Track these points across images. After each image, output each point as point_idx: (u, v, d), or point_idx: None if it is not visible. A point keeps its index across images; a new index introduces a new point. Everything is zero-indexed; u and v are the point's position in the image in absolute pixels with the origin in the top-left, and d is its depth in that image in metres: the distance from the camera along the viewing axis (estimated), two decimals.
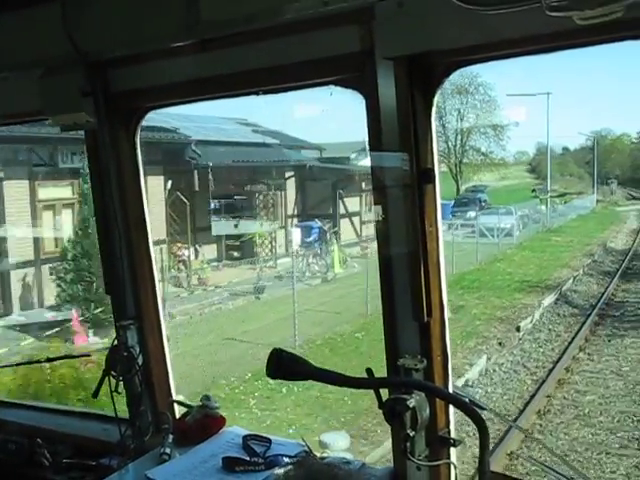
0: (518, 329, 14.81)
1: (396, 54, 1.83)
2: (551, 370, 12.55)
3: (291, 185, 27.81)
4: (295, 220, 28.17)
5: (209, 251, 24.11)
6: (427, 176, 1.92)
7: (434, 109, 1.94)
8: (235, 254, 24.84)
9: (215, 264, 23.64)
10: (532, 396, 11.17)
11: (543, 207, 47.07)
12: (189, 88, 2.36)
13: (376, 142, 1.98)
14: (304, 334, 14.45)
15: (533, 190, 41.38)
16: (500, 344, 13.74)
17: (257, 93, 2.25)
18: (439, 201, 1.98)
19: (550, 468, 2.19)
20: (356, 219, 29.27)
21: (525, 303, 17.22)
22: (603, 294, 18.95)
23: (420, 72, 1.86)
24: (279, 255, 24.55)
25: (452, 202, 37.98)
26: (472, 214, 34.69)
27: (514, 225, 30.03)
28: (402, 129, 1.90)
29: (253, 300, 18.72)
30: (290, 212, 27.65)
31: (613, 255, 26.86)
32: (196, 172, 20.79)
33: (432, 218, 1.97)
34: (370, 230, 28.63)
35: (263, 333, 14.43)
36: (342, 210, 28.76)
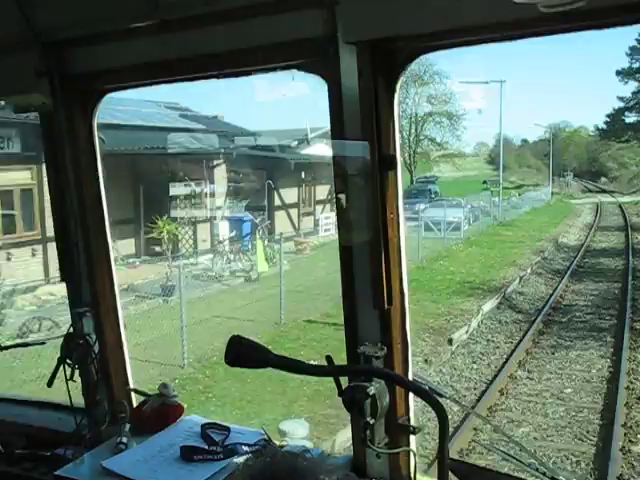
0: (450, 341, 12.87)
1: (359, 39, 1.80)
2: (483, 393, 10.68)
3: (222, 175, 25.50)
4: (228, 212, 25.94)
5: (126, 246, 21.70)
6: (389, 163, 1.89)
7: (397, 95, 1.90)
8: (157, 249, 22.47)
9: (132, 260, 21.30)
10: (456, 429, 9.20)
11: (497, 199, 45.95)
12: (148, 70, 2.27)
13: (338, 128, 1.93)
14: (202, 349, 12.26)
15: (484, 182, 39.83)
16: (426, 361, 11.78)
17: (217, 77, 2.20)
18: (400, 188, 1.94)
19: (508, 454, 2.01)
20: (294, 211, 27.16)
21: (463, 309, 15.32)
22: (551, 296, 17.27)
23: (383, 58, 1.83)
24: (202, 251, 22.27)
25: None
26: (421, 206, 32.95)
27: (462, 219, 28.29)
28: (364, 115, 1.86)
29: (160, 303, 16.44)
30: (222, 204, 25.40)
31: (565, 251, 25.35)
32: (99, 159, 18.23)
33: (393, 205, 1.93)
34: (309, 223, 26.57)
35: (152, 347, 12.19)
36: (279, 202, 26.61)
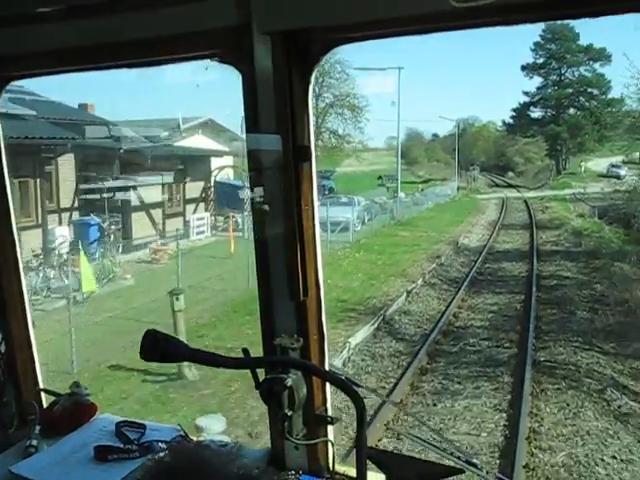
0: None
1: (274, 29, 1.77)
2: None
3: (68, 170, 21.04)
4: (77, 215, 21.52)
5: None
6: (303, 154, 1.87)
7: (311, 87, 1.89)
8: None
9: None
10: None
11: (402, 194, 43.57)
12: (57, 58, 2.16)
13: (252, 120, 1.89)
14: None
15: (379, 177, 36.99)
16: (250, 435, 8.25)
17: (128, 66, 2.11)
18: (315, 179, 1.92)
19: (425, 441, 2.05)
20: (158, 212, 23.06)
21: (330, 340, 11.91)
22: (442, 316, 14.23)
23: (298, 49, 1.80)
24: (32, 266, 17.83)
25: None
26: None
27: (351, 219, 25.02)
28: (279, 107, 1.83)
29: None
30: (68, 204, 20.96)
31: (465, 255, 22.67)
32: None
33: (308, 196, 1.91)
34: (177, 225, 22.56)
35: None
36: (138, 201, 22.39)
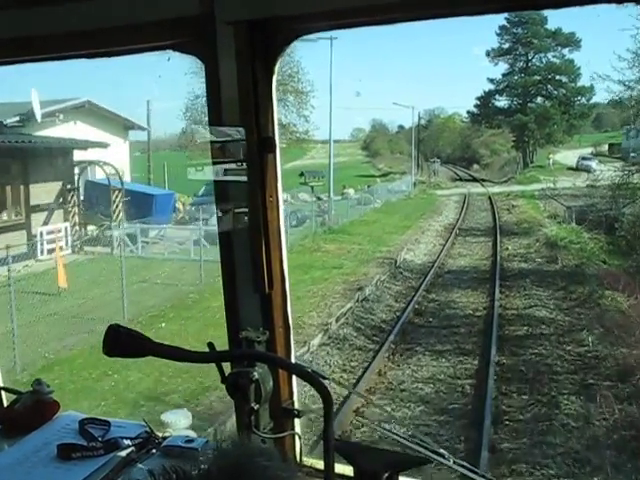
0: None
1: (237, 19, 1.75)
2: None
3: None
4: None
5: None
6: (267, 145, 1.85)
7: (275, 77, 1.88)
8: None
9: None
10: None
11: (352, 191, 37.79)
12: (11, 47, 2.08)
13: (215, 111, 1.87)
14: None
15: (301, 174, 30.87)
16: None
17: (87, 56, 2.05)
18: (279, 170, 1.90)
19: (392, 432, 2.08)
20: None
21: None
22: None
23: (261, 39, 1.79)
24: None
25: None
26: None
27: None
28: (242, 97, 1.81)
29: None
30: None
31: (403, 279, 16.72)
32: None
33: (272, 188, 1.89)
34: (18, 240, 16.04)
35: None
36: None
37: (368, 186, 38.16)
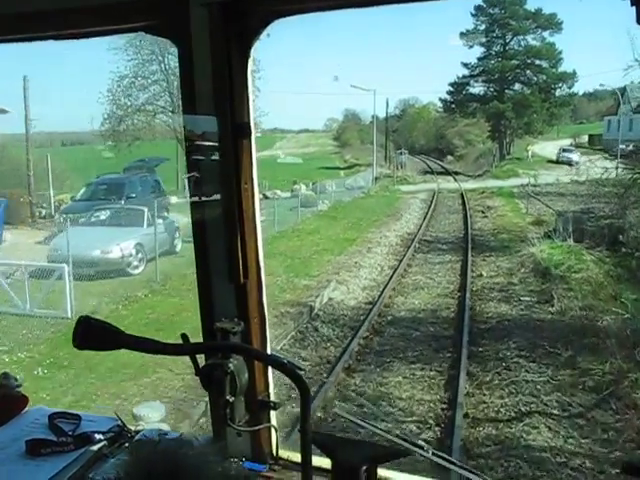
0: None
1: (211, 0, 1.71)
2: None
3: None
4: None
5: None
6: (242, 130, 1.81)
7: (251, 61, 1.83)
8: None
9: None
10: None
11: (303, 187, 31.96)
12: None
13: (189, 95, 1.81)
14: None
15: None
16: None
17: (54, 38, 1.98)
18: (255, 156, 1.86)
19: (369, 423, 1.96)
20: None
21: None
22: None
23: (236, 21, 1.74)
24: None
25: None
26: (102, 217, 17.09)
27: (124, 256, 12.62)
28: (217, 81, 1.76)
29: None
30: None
31: (317, 340, 10.50)
32: None
33: (247, 174, 1.85)
34: None
35: None
36: None
37: (313, 183, 31.75)
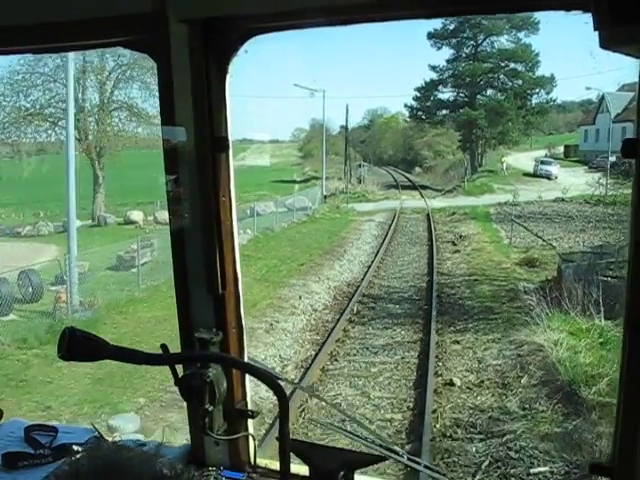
0: None
1: (190, 17, 1.75)
2: None
3: None
4: None
5: None
6: (221, 145, 1.86)
7: (229, 77, 1.87)
8: None
9: None
10: None
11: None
12: None
13: (168, 109, 1.85)
14: None
15: None
16: None
17: (32, 52, 2.05)
18: (232, 170, 1.90)
19: (345, 430, 2.06)
20: None
21: None
22: None
23: (215, 37, 1.78)
24: None
25: None
26: None
27: None
28: (195, 96, 1.81)
29: None
30: None
31: None
32: None
33: (225, 188, 1.89)
34: None
35: None
36: None
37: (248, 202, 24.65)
